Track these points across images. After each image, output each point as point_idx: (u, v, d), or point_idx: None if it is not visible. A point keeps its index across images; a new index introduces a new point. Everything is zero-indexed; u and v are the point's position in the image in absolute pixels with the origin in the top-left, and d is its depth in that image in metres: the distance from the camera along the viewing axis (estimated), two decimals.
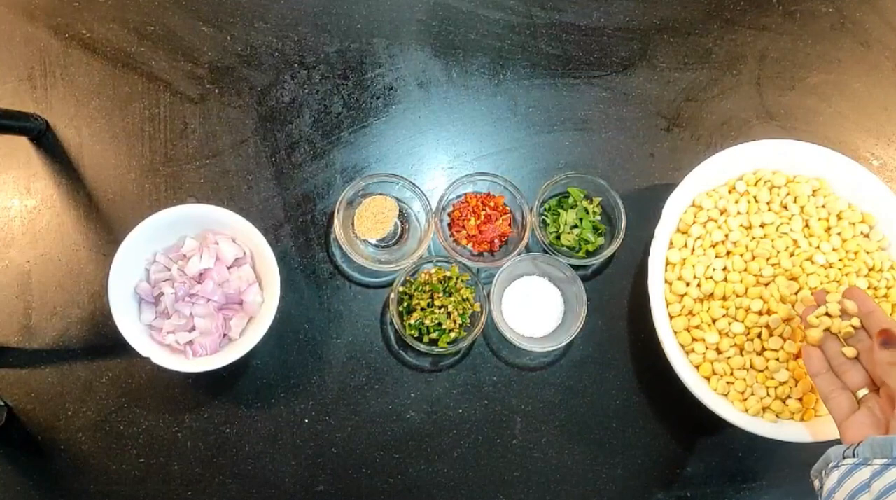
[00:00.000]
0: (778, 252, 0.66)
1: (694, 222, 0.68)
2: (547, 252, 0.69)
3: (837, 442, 0.61)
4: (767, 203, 0.68)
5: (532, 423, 0.68)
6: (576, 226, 0.70)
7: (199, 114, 0.72)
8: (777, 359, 0.64)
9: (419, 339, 0.66)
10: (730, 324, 0.65)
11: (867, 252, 0.66)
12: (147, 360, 0.60)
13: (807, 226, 0.68)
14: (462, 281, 0.67)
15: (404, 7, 0.76)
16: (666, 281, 0.67)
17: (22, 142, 0.69)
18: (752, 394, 0.64)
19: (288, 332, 0.68)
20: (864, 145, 0.78)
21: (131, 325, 0.61)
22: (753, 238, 0.67)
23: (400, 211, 0.70)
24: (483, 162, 0.73)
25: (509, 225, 0.70)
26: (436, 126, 0.74)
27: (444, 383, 0.68)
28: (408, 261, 0.67)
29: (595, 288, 0.71)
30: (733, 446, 0.69)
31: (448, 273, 0.67)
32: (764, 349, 0.64)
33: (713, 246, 0.67)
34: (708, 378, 0.65)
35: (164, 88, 0.72)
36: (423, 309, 0.66)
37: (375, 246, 0.70)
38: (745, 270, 0.66)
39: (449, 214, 0.71)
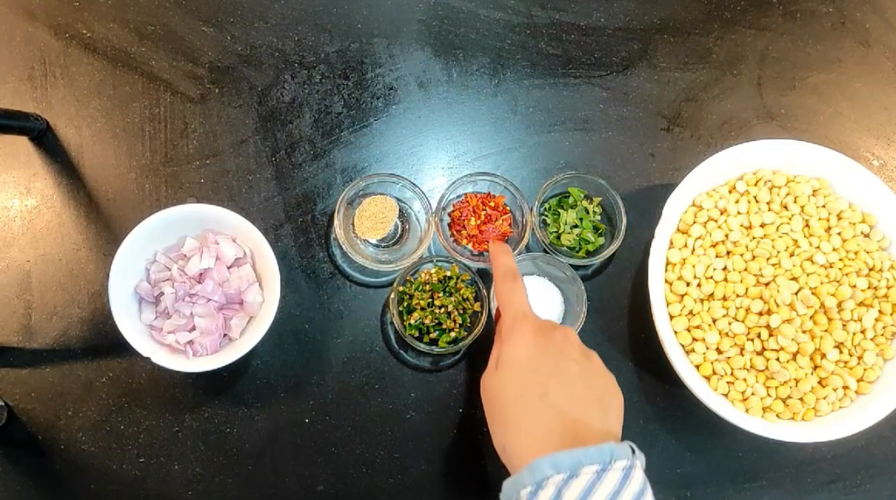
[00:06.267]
0: (778, 252, 0.66)
1: (694, 222, 0.68)
2: (547, 252, 0.69)
3: (838, 443, 0.62)
4: (767, 203, 0.68)
5: None
6: (576, 226, 0.70)
7: (200, 114, 0.72)
8: (777, 359, 0.64)
9: (419, 339, 0.66)
10: (730, 324, 0.65)
11: (867, 252, 0.66)
12: (147, 360, 0.60)
13: (807, 226, 0.68)
14: (462, 281, 0.67)
15: (404, 7, 0.76)
16: (666, 281, 0.67)
17: (22, 142, 0.69)
18: (753, 394, 0.64)
19: (288, 332, 0.68)
20: (864, 145, 0.78)
21: (131, 325, 0.61)
22: (753, 238, 0.67)
23: (400, 211, 0.70)
24: (483, 162, 0.73)
25: (509, 225, 0.70)
26: (436, 126, 0.74)
27: (444, 383, 0.68)
28: (408, 261, 0.67)
29: (595, 288, 0.71)
30: (733, 446, 0.69)
31: (448, 273, 0.67)
32: (764, 349, 0.64)
33: (713, 246, 0.67)
34: (708, 378, 0.65)
35: (164, 87, 0.72)
36: (423, 309, 0.66)
37: (375, 246, 0.70)
38: (746, 270, 0.66)
39: (449, 214, 0.71)
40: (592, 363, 0.54)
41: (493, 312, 0.66)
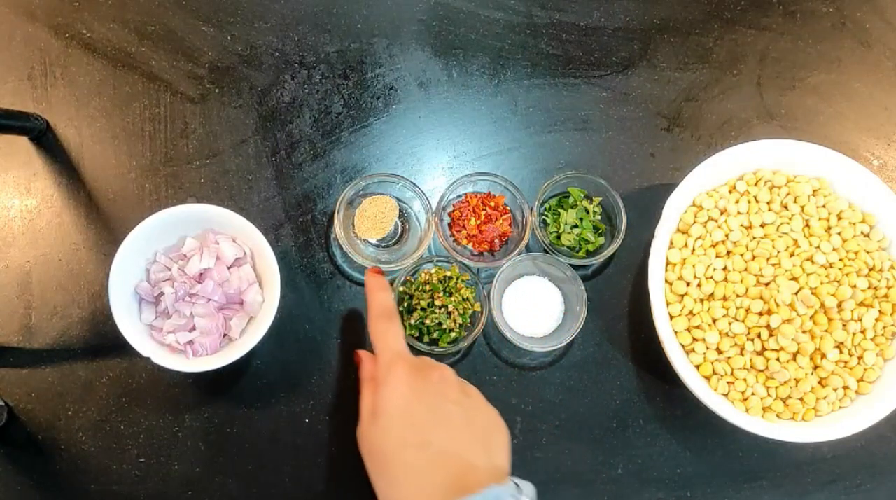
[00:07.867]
0: (778, 252, 0.66)
1: (694, 222, 0.68)
2: (547, 252, 0.69)
3: (838, 443, 0.62)
4: (768, 203, 0.68)
5: (532, 423, 0.68)
6: (576, 226, 0.70)
7: (200, 114, 0.72)
8: (777, 359, 0.64)
9: (419, 339, 0.66)
10: (730, 324, 0.65)
11: (867, 252, 0.66)
12: (147, 360, 0.60)
13: (807, 226, 0.68)
14: (462, 281, 0.67)
15: (404, 7, 0.76)
16: (666, 281, 0.67)
17: (22, 142, 0.69)
18: (753, 394, 0.64)
19: (288, 332, 0.68)
20: (864, 145, 0.78)
21: (131, 325, 0.61)
22: (754, 238, 0.67)
23: (400, 211, 0.70)
24: (483, 162, 0.73)
25: (509, 225, 0.70)
26: (436, 126, 0.74)
27: None
28: (408, 261, 0.67)
29: (595, 288, 0.71)
30: (733, 446, 0.69)
31: (448, 273, 0.67)
32: (764, 349, 0.64)
33: (713, 246, 0.67)
34: (708, 378, 0.65)
35: (164, 87, 0.72)
36: (423, 309, 0.66)
37: (376, 246, 0.70)
38: (746, 270, 0.66)
39: (449, 214, 0.71)
40: (473, 400, 0.53)
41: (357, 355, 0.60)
